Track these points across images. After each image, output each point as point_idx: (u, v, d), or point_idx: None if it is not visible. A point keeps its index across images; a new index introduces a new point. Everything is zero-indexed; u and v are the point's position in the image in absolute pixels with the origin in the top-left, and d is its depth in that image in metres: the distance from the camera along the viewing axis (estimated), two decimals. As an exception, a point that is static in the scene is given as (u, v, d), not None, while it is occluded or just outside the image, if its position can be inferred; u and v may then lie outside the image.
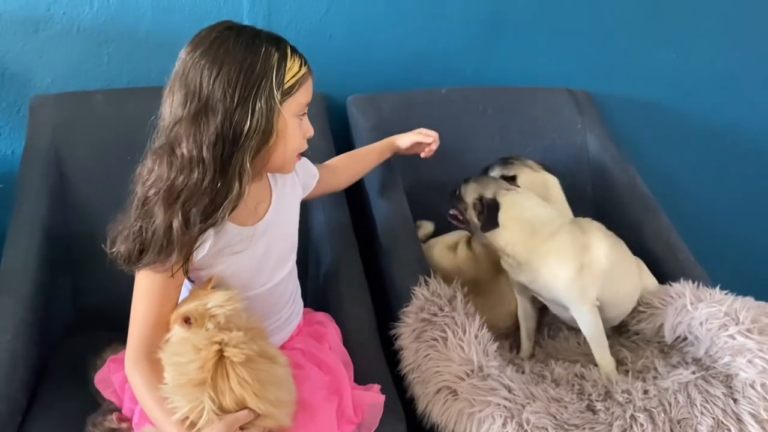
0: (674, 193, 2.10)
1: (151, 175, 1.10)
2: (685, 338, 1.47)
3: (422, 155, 1.64)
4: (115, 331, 1.22)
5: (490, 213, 1.45)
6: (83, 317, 1.58)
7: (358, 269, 1.54)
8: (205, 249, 1.14)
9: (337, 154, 1.73)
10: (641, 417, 1.28)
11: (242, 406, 1.04)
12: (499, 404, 1.26)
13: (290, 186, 1.33)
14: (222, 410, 1.03)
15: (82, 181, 1.58)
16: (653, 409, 1.29)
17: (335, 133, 1.79)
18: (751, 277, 1.72)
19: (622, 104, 2.09)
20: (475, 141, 1.74)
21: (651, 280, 1.59)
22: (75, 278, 1.57)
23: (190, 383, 1.02)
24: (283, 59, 1.11)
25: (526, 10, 1.94)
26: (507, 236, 1.45)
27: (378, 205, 1.68)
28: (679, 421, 1.28)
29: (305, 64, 1.16)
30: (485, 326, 1.41)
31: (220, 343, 1.04)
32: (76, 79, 1.73)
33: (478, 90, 1.93)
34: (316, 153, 1.69)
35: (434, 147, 1.63)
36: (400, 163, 1.74)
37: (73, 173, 1.59)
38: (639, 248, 1.64)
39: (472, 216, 1.49)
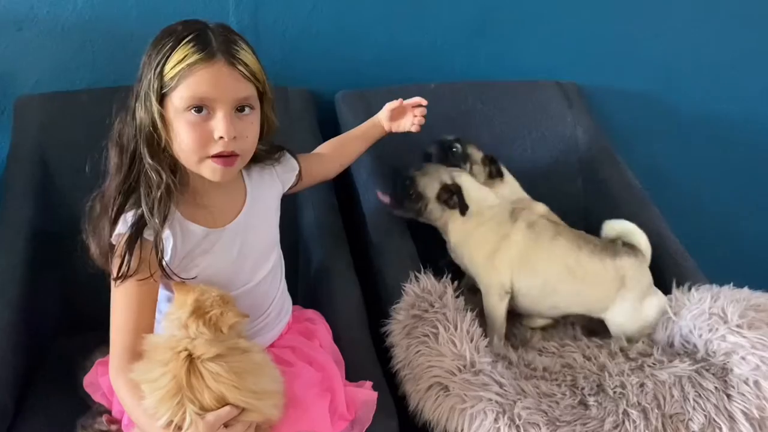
0: (664, 184, 2.11)
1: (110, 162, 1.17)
2: (681, 346, 1.47)
3: (414, 130, 1.54)
4: (104, 332, 1.20)
5: (460, 197, 1.52)
6: (71, 318, 1.57)
7: (348, 266, 1.53)
8: (168, 252, 1.13)
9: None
10: (634, 413, 1.28)
11: (224, 403, 1.03)
12: (491, 399, 1.25)
13: (268, 184, 1.31)
14: (204, 410, 1.02)
15: (68, 181, 1.56)
16: (647, 405, 1.29)
17: (324, 130, 1.78)
18: (740, 266, 1.73)
19: (612, 96, 2.09)
20: (465, 136, 1.73)
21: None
22: (63, 279, 1.56)
23: (168, 395, 1.01)
24: (172, 48, 1.08)
25: (513, 4, 1.93)
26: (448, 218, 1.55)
27: (368, 201, 1.67)
28: (671, 416, 1.28)
29: (202, 52, 1.07)
30: (476, 322, 1.41)
31: (186, 349, 1.03)
32: (61, 78, 1.71)
33: (466, 85, 1.93)
34: (304, 151, 1.69)
35: (419, 115, 1.53)
36: (389, 158, 1.73)
37: (60, 173, 1.58)
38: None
39: (435, 207, 1.54)
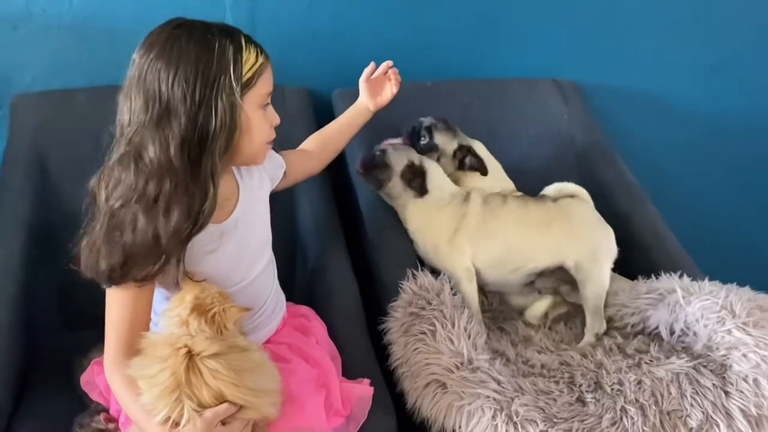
0: (660, 181, 2.11)
1: (117, 185, 1.08)
2: (682, 334, 1.47)
3: (395, 90, 1.55)
4: (101, 330, 1.19)
5: (422, 180, 1.57)
6: (68, 317, 1.57)
7: (345, 264, 1.53)
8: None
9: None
10: (632, 410, 1.28)
11: (222, 400, 1.03)
12: (488, 397, 1.26)
13: (257, 180, 1.31)
14: (202, 407, 1.02)
15: (65, 179, 1.56)
16: (644, 402, 1.29)
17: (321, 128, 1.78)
18: (737, 264, 1.73)
19: (608, 94, 2.09)
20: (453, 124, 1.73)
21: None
22: (60, 278, 1.55)
23: (166, 391, 1.01)
24: (238, 52, 1.10)
25: (511, 1, 1.94)
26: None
27: (365, 198, 1.67)
28: (669, 413, 1.28)
29: (262, 53, 1.14)
30: (474, 319, 1.41)
31: (185, 346, 1.02)
32: (57, 77, 1.71)
33: (463, 82, 1.93)
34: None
35: (393, 76, 1.56)
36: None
37: (56, 172, 1.58)
38: (626, 238, 1.64)
39: (397, 183, 1.57)
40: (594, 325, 1.54)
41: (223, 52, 1.08)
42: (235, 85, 1.08)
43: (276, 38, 1.81)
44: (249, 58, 1.11)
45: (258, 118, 1.15)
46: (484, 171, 1.68)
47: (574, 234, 1.58)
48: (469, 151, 1.69)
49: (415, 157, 1.60)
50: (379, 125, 1.64)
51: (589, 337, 1.54)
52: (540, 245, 1.57)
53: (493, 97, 1.92)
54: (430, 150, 1.67)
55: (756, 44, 2.13)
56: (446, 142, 1.69)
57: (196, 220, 1.09)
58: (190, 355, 1.02)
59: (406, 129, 1.71)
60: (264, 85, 1.15)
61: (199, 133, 1.06)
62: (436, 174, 1.60)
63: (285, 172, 1.40)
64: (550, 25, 1.99)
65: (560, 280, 1.61)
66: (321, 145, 1.54)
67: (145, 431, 1.05)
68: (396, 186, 1.58)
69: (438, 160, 1.67)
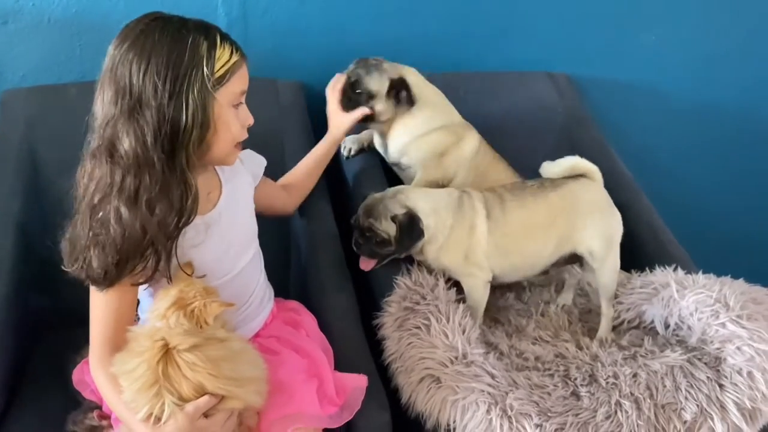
0: (654, 174, 2.10)
1: (92, 178, 1.07)
2: (676, 327, 1.47)
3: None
4: (95, 327, 1.21)
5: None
6: (61, 314, 1.55)
7: (339, 258, 1.53)
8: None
9: (317, 143, 1.72)
10: (626, 404, 1.28)
11: (203, 392, 1.02)
12: (483, 391, 1.26)
13: (238, 175, 1.32)
14: (183, 401, 1.01)
15: (56, 175, 1.54)
16: (639, 395, 1.30)
17: (315, 123, 1.77)
18: (731, 256, 1.74)
19: (602, 87, 2.09)
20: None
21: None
22: (52, 274, 1.54)
23: (145, 386, 1.01)
24: (212, 48, 1.09)
25: (504, -6, 1.93)
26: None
27: (359, 193, 1.66)
28: (663, 406, 1.29)
29: (237, 51, 1.13)
30: (468, 313, 1.41)
31: (162, 339, 1.02)
32: (48, 72, 1.70)
33: (457, 75, 1.92)
34: (294, 143, 1.69)
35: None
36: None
37: (48, 168, 1.57)
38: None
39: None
40: (609, 311, 1.53)
41: (196, 47, 1.07)
42: (207, 81, 1.07)
43: (269, 31, 1.81)
44: (222, 54, 1.10)
45: (229, 116, 1.14)
46: (411, 102, 1.61)
47: (581, 223, 1.52)
48: (402, 83, 1.60)
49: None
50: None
51: (606, 323, 1.53)
52: (550, 243, 1.53)
53: (487, 90, 1.92)
54: (370, 98, 1.58)
55: (750, 37, 2.13)
56: (379, 83, 1.59)
57: (181, 211, 1.09)
58: (167, 348, 1.01)
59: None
60: (237, 83, 1.13)
61: (171, 127, 1.05)
62: (425, 210, 1.46)
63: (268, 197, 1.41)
64: (544, 18, 1.98)
65: (570, 261, 1.59)
66: (304, 178, 1.56)
67: (131, 429, 1.05)
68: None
69: (374, 106, 1.58)
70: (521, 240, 1.52)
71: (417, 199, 1.46)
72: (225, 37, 1.12)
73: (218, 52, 1.09)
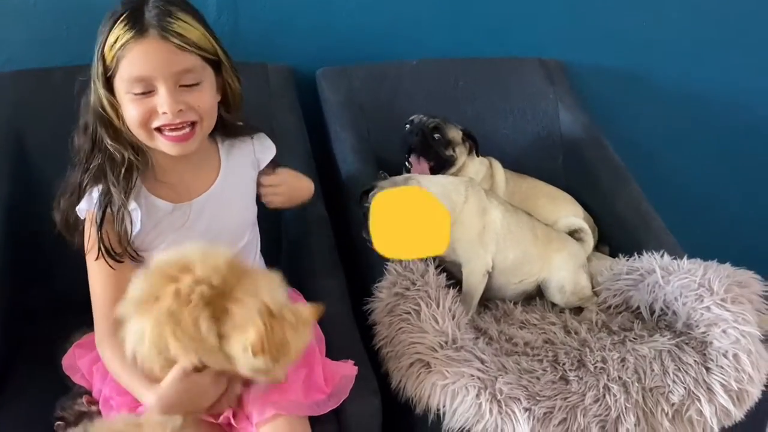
0: (645, 161, 2.11)
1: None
2: (662, 313, 1.48)
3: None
4: (84, 313, 1.20)
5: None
6: (51, 299, 1.55)
7: (330, 244, 1.53)
8: (137, 224, 1.16)
9: (308, 128, 1.71)
10: (615, 387, 1.29)
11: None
12: (472, 375, 1.26)
13: (243, 158, 1.30)
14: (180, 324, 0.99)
15: (44, 159, 1.53)
16: (627, 379, 1.31)
17: (305, 108, 1.76)
18: (721, 242, 1.75)
19: (594, 73, 2.09)
20: (447, 113, 1.72)
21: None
22: (41, 260, 1.54)
23: (140, 301, 1.00)
24: (108, 30, 1.09)
25: (496, -21, 1.92)
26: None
27: (351, 178, 1.66)
28: (651, 390, 1.30)
29: (133, 30, 1.06)
30: (458, 299, 1.41)
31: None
32: (34, 56, 1.67)
33: (449, 61, 1.92)
34: (285, 128, 1.67)
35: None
36: (371, 136, 1.72)
37: (35, 152, 1.55)
38: (611, 217, 1.65)
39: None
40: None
41: (103, 27, 1.10)
42: (98, 66, 1.10)
43: (259, 16, 1.79)
44: (111, 38, 1.08)
45: (125, 103, 1.12)
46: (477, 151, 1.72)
47: (564, 265, 1.58)
48: (470, 134, 1.71)
49: (401, 182, 1.52)
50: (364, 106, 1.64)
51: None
52: (542, 260, 1.57)
53: (479, 76, 1.91)
54: (447, 146, 1.67)
55: (741, 24, 2.13)
56: (454, 133, 1.69)
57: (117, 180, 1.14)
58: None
59: (407, 142, 1.67)
60: (125, 70, 1.08)
61: (90, 108, 1.14)
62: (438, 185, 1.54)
63: (276, 161, 1.36)
64: (536, 4, 1.97)
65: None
66: None
67: (140, 397, 1.06)
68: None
69: (453, 151, 1.67)
70: (528, 237, 1.56)
71: (428, 185, 1.49)
72: (133, 16, 1.07)
73: (111, 34, 1.08)
